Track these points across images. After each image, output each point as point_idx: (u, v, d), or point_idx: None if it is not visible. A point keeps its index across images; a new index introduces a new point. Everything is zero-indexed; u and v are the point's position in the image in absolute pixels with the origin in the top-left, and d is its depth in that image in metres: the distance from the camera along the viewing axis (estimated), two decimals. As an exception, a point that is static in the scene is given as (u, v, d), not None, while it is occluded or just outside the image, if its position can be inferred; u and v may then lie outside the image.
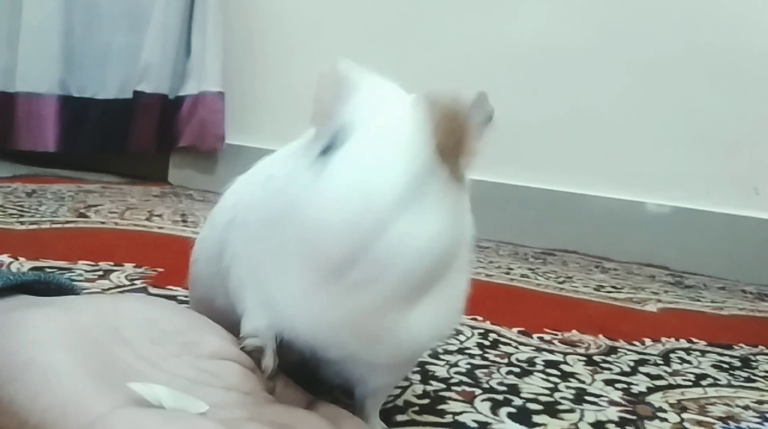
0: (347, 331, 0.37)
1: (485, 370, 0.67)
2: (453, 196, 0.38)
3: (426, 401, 0.57)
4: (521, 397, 0.60)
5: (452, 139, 0.38)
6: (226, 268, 0.45)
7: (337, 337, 0.38)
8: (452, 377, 0.64)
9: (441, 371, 0.65)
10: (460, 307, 0.42)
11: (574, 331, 0.86)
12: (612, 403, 0.62)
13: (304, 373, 0.43)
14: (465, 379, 0.64)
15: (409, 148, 0.36)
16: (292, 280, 0.37)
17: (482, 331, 0.81)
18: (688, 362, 0.79)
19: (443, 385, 0.61)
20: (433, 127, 0.37)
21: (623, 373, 0.72)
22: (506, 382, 0.64)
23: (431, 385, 0.61)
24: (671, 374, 0.73)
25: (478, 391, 0.61)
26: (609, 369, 0.73)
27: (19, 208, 1.26)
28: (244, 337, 0.41)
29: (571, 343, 0.81)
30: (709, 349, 0.86)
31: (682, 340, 0.89)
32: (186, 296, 0.79)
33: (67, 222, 1.21)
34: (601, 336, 0.86)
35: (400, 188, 0.34)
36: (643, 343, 0.85)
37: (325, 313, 0.37)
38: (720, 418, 0.62)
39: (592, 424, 0.56)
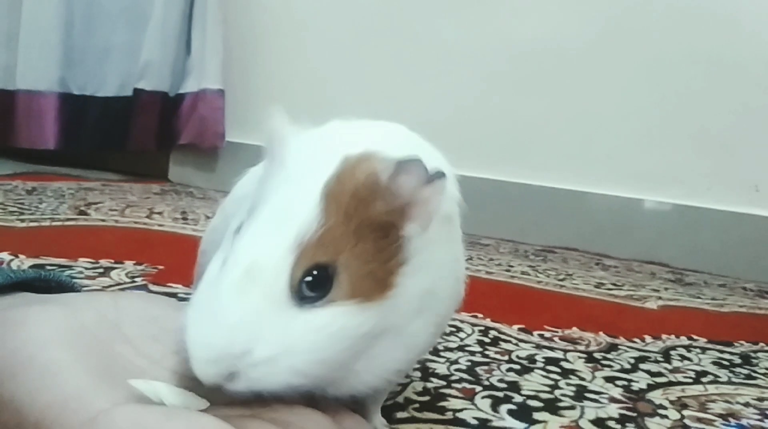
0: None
1: (485, 368, 0.67)
2: (321, 323, 0.35)
3: (426, 398, 0.57)
4: (522, 394, 0.60)
5: (374, 215, 0.35)
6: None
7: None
8: (453, 374, 0.64)
9: (441, 368, 0.65)
10: (417, 347, 0.40)
11: (574, 329, 0.86)
12: (612, 400, 0.62)
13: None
14: (465, 376, 0.64)
15: (275, 277, 0.34)
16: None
17: (482, 328, 0.81)
18: (689, 359, 0.79)
19: (444, 382, 0.61)
20: (344, 211, 0.35)
21: (624, 370, 0.72)
22: (507, 379, 0.64)
23: (432, 382, 0.61)
24: (672, 371, 0.73)
25: (478, 388, 0.61)
26: (609, 366, 0.73)
27: (20, 206, 1.26)
28: None
29: (572, 341, 0.81)
30: (709, 346, 0.86)
31: (682, 338, 0.89)
32: (187, 293, 0.79)
33: (68, 220, 1.21)
34: (601, 333, 0.86)
35: (251, 331, 0.33)
36: (643, 340, 0.85)
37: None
38: (720, 415, 0.62)
39: (592, 421, 0.56)
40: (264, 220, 0.36)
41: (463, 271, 0.44)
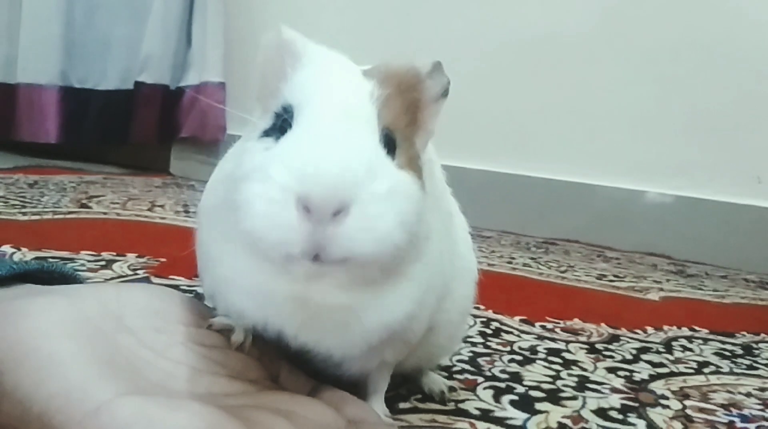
0: (298, 320, 0.37)
1: (488, 358, 0.67)
2: (407, 181, 0.36)
3: (429, 389, 0.57)
4: (524, 385, 0.60)
5: (406, 115, 0.37)
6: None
7: (285, 325, 0.38)
8: (455, 365, 0.64)
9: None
10: (414, 297, 0.39)
11: (576, 320, 0.86)
12: (614, 390, 0.62)
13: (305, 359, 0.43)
14: (467, 367, 0.64)
15: (361, 131, 0.35)
16: (241, 258, 0.36)
17: (484, 319, 0.81)
18: (690, 350, 0.79)
19: (446, 373, 0.61)
20: (384, 104, 0.36)
21: (625, 361, 0.72)
22: (508, 370, 0.64)
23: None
24: (673, 362, 0.74)
25: (480, 379, 0.61)
26: (611, 357, 0.73)
27: (21, 199, 1.26)
28: (215, 316, 0.42)
29: (573, 332, 0.81)
30: (711, 337, 0.86)
31: (684, 329, 0.89)
32: (188, 285, 0.79)
33: (69, 213, 1.21)
34: (603, 324, 0.86)
35: (369, 164, 0.33)
36: (645, 332, 0.85)
37: (275, 302, 0.37)
38: (722, 405, 0.62)
39: (594, 411, 0.56)
40: (330, 93, 0.36)
41: (447, 251, 0.44)
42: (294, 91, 0.37)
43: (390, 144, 0.36)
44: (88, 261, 0.86)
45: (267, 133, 0.36)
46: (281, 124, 0.36)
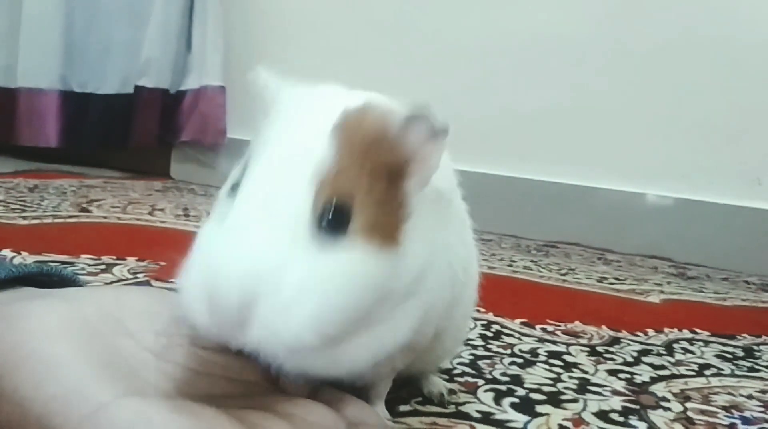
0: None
1: (488, 361, 0.67)
2: (366, 245, 0.34)
3: (429, 392, 0.57)
4: (524, 388, 0.60)
5: (370, 177, 0.34)
6: None
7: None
8: (455, 368, 0.64)
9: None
10: (410, 325, 0.38)
11: (576, 322, 0.86)
12: (615, 392, 0.62)
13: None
14: (468, 369, 0.64)
15: (296, 209, 0.33)
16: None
17: (485, 322, 0.81)
18: (691, 352, 0.79)
19: (446, 376, 0.61)
20: (340, 172, 0.34)
21: (626, 364, 0.72)
22: (509, 372, 0.64)
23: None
24: (675, 364, 0.73)
25: (481, 381, 0.61)
26: (612, 359, 0.73)
27: (22, 204, 1.26)
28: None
29: (574, 334, 0.81)
30: (712, 339, 0.86)
31: (685, 331, 0.89)
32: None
33: (70, 217, 1.21)
34: (603, 327, 0.86)
35: (278, 258, 0.32)
36: (646, 334, 0.85)
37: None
38: (723, 408, 0.62)
39: (595, 414, 0.56)
40: (273, 160, 0.34)
41: (462, 259, 0.44)
42: (253, 148, 0.36)
43: (342, 214, 0.33)
44: (89, 265, 0.86)
45: (233, 188, 0.36)
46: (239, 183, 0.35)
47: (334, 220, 0.33)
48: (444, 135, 0.35)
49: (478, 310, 0.85)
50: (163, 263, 0.90)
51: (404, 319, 0.37)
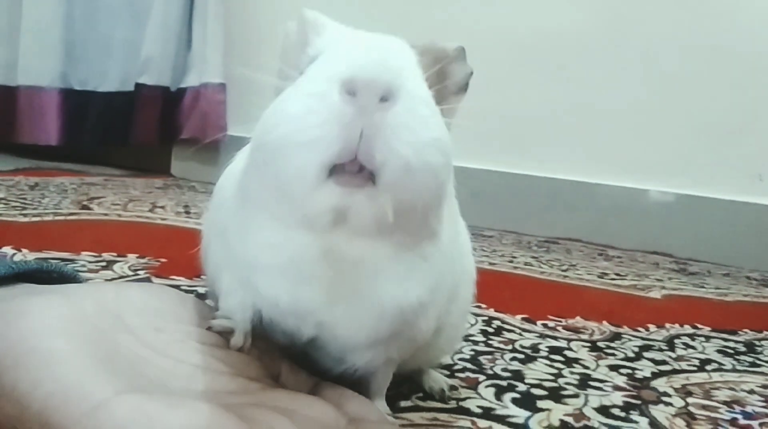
0: (324, 284, 0.36)
1: (489, 357, 0.67)
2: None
3: (430, 387, 0.57)
4: (525, 383, 0.60)
5: (435, 81, 0.37)
6: (204, 252, 0.45)
7: (314, 295, 0.37)
8: (456, 363, 0.63)
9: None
10: (428, 283, 0.39)
11: (578, 318, 0.86)
12: (616, 388, 0.62)
13: (308, 359, 0.43)
14: (469, 365, 0.64)
15: (405, 49, 0.36)
16: (268, 233, 0.36)
17: (486, 318, 0.81)
18: (693, 348, 0.79)
19: (447, 372, 0.61)
20: (425, 72, 0.36)
21: (627, 359, 0.72)
22: (510, 368, 0.64)
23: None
24: (676, 359, 0.73)
25: (482, 377, 0.61)
26: (613, 355, 0.73)
27: (22, 201, 1.26)
28: (215, 317, 0.41)
29: (575, 330, 0.81)
30: (713, 334, 0.86)
31: (686, 326, 0.89)
32: (189, 286, 0.79)
33: (70, 214, 1.21)
34: (605, 322, 0.85)
35: (399, 62, 0.33)
36: (647, 329, 0.85)
37: (302, 257, 0.36)
38: (725, 403, 0.61)
39: (596, 409, 0.56)
40: (360, 35, 0.37)
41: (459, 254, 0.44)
42: (319, 47, 0.37)
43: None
44: (89, 262, 0.86)
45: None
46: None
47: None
48: (465, 90, 0.40)
49: (479, 306, 0.85)
50: (163, 260, 0.90)
51: (425, 271, 0.38)
